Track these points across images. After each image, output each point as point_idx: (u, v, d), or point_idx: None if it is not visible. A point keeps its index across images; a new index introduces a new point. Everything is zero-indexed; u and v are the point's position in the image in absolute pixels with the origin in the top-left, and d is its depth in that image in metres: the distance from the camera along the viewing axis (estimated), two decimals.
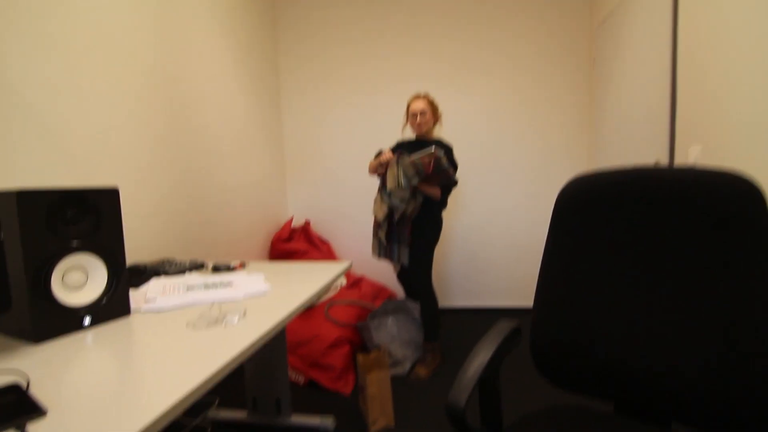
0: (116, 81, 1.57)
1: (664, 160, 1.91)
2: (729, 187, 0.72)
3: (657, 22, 1.95)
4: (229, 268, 1.47)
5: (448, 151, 2.18)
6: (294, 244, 2.87)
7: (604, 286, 0.87)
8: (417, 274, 2.17)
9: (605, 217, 0.85)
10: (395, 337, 2.19)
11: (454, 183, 2.16)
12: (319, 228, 3.21)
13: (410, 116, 2.24)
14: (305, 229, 3.02)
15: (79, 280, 0.90)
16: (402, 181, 2.05)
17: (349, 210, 3.19)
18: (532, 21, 2.94)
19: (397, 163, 2.08)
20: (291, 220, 3.07)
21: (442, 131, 2.43)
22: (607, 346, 0.86)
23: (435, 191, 2.12)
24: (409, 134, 2.34)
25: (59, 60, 1.35)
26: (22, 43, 1.23)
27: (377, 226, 2.22)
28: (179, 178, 1.92)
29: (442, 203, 2.20)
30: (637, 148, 2.17)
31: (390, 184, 2.10)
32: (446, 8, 3.01)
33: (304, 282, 1.28)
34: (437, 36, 3.02)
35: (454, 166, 2.16)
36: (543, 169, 3.02)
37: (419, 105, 2.20)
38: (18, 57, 1.22)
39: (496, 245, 3.10)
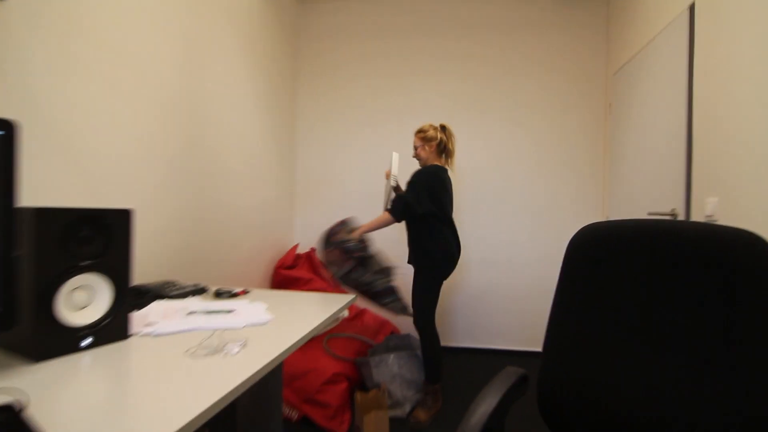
0: (137, 104, 1.64)
1: (680, 210, 1.92)
2: (741, 244, 0.73)
3: (673, 72, 2.01)
4: (231, 294, 1.48)
5: (418, 172, 2.20)
6: (298, 271, 2.87)
7: (616, 338, 0.86)
8: (415, 313, 2.16)
9: (617, 268, 0.86)
10: (396, 375, 2.15)
11: (401, 200, 2.14)
12: None
13: None
14: (310, 257, 3.02)
15: (83, 299, 0.92)
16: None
17: None
18: (549, 65, 3.03)
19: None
20: (296, 246, 3.09)
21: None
22: (617, 401, 0.85)
23: (379, 221, 2.13)
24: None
25: (82, 82, 1.42)
26: (49, 64, 1.30)
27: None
28: (188, 199, 1.97)
29: (425, 231, 2.16)
30: (652, 196, 2.19)
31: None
32: (461, 50, 3.12)
33: (306, 314, 1.28)
34: (452, 76, 3.12)
35: (410, 183, 2.16)
36: (554, 213, 3.03)
37: (414, 141, 2.33)
38: (44, 77, 1.29)
39: (503, 286, 3.08)
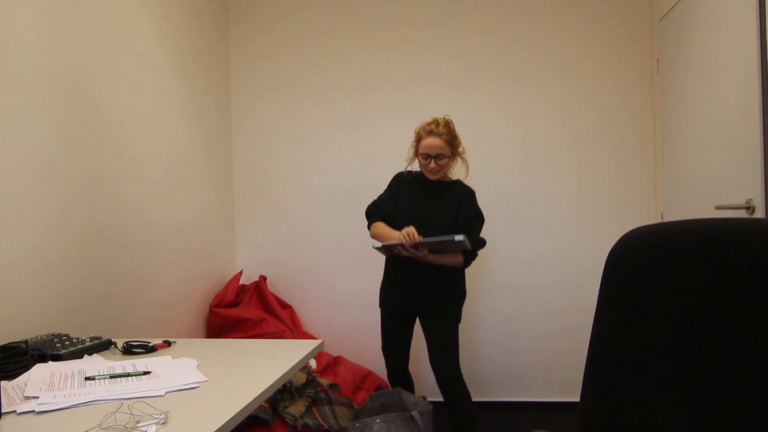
0: None
1: (758, 201, 1.97)
2: None
3: (741, 11, 2.06)
4: (147, 349, 1.48)
5: (470, 196, 2.35)
6: (243, 309, 2.86)
7: (678, 381, 0.87)
8: (444, 365, 2.24)
9: (675, 288, 0.87)
10: None
11: (481, 242, 2.32)
12: (278, 287, 3.21)
13: (420, 155, 2.28)
14: (259, 289, 3.01)
15: None
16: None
17: (321, 262, 3.21)
18: (577, 14, 3.07)
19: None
20: (239, 275, 3.07)
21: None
22: None
23: (455, 259, 2.25)
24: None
25: None
26: None
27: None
28: (80, 216, 1.93)
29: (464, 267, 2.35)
30: (721, 183, 2.24)
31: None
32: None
33: (254, 370, 1.27)
34: (447, 26, 3.14)
35: (479, 216, 2.33)
36: (594, 216, 3.08)
37: (435, 144, 2.20)
38: None
39: (526, 318, 3.12)
